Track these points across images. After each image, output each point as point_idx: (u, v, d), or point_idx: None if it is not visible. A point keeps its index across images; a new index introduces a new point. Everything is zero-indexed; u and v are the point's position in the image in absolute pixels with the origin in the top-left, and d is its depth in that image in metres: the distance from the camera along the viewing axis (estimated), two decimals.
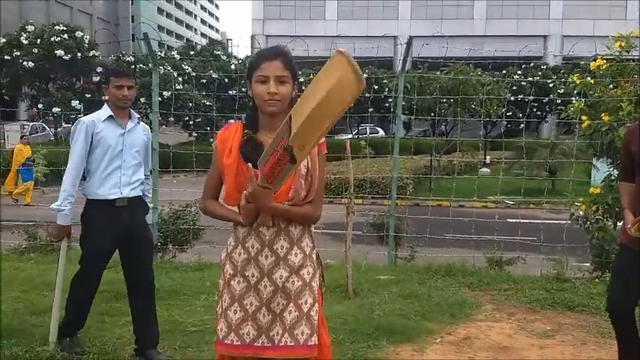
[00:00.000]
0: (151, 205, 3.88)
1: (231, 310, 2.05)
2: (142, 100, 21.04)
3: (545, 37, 38.77)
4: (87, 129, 3.39)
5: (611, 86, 6.41)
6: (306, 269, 2.09)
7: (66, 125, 22.20)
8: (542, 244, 6.11)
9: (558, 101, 14.13)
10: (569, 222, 6.05)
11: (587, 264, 5.93)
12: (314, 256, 2.16)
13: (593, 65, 6.40)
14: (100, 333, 3.85)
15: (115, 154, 3.41)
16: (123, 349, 3.64)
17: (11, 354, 3.43)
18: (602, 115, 6.12)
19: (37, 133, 24.15)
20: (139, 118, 3.60)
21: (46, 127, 25.59)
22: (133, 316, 3.58)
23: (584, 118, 6.18)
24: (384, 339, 3.91)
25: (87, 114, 3.58)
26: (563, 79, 18.19)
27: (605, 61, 6.37)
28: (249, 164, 1.94)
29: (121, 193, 3.41)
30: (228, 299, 2.07)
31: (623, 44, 6.30)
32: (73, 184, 3.39)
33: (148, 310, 3.55)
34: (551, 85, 25.66)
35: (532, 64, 31.59)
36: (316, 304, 2.09)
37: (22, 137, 14.87)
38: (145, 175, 3.64)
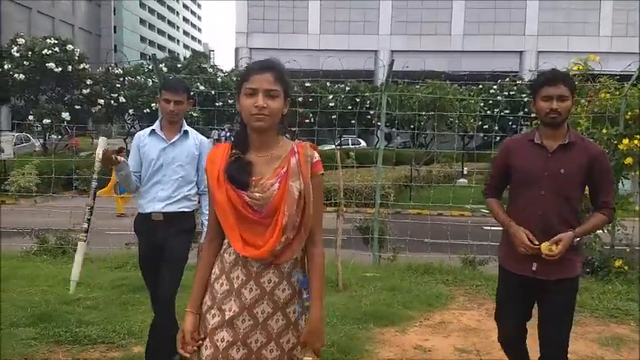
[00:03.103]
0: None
1: (204, 345, 1.93)
2: (131, 111, 21.59)
3: (520, 52, 40.05)
4: (135, 141, 3.49)
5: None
6: (292, 307, 1.95)
7: (54, 137, 22.55)
8: None
9: (533, 115, 15.03)
10: None
11: None
12: (302, 290, 2.00)
13: None
14: (125, 318, 4.41)
15: (155, 168, 3.37)
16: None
17: (54, 333, 4.01)
18: None
19: (22, 143, 24.44)
20: (187, 131, 3.45)
21: (31, 137, 25.85)
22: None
23: None
24: (370, 322, 4.56)
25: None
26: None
27: None
28: (240, 191, 1.89)
29: (156, 208, 3.33)
30: (202, 334, 1.95)
31: (581, 67, 7.10)
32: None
33: (160, 328, 3.36)
34: (525, 99, 26.69)
35: (507, 79, 32.73)
36: (298, 347, 1.96)
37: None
38: (203, 191, 3.44)
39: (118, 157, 3.26)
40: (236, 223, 1.90)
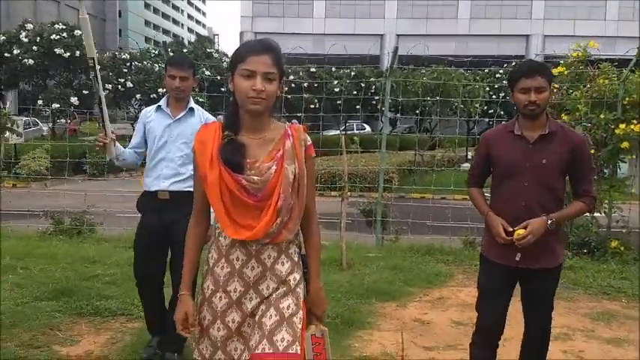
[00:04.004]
0: None
1: (214, 328, 1.94)
2: (138, 96, 21.82)
3: (527, 36, 39.87)
4: (142, 117, 3.47)
5: (571, 89, 7.35)
6: (292, 275, 1.98)
7: (62, 121, 22.83)
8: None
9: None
10: None
11: None
12: (300, 262, 2.04)
13: (555, 71, 7.34)
14: None
15: (159, 145, 3.33)
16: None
17: (76, 306, 4.28)
18: (562, 114, 7.06)
19: (30, 127, 24.76)
20: (192, 108, 3.38)
21: (39, 122, 26.18)
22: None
23: None
24: (373, 298, 4.81)
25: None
26: None
27: (564, 67, 7.31)
28: (237, 174, 1.87)
29: (162, 186, 3.29)
30: (209, 317, 1.96)
31: (580, 54, 7.26)
32: (126, 150, 3.43)
33: (159, 305, 3.48)
34: None
35: (514, 63, 32.63)
36: (300, 312, 1.95)
37: None
38: None
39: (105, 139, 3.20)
40: (229, 206, 1.88)
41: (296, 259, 2.01)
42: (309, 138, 2.02)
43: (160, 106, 3.41)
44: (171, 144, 3.32)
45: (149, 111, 3.47)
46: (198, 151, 1.94)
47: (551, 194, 2.68)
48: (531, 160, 2.65)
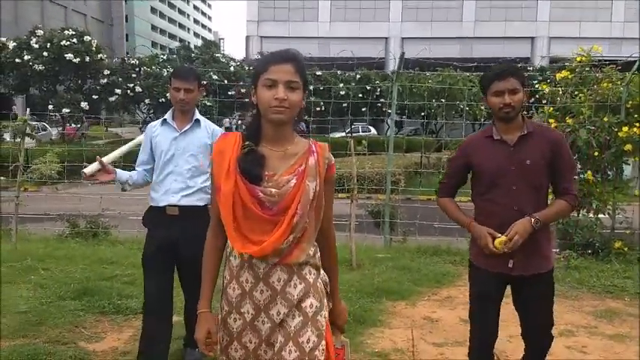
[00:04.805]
0: None
1: (232, 348, 1.90)
2: (147, 101, 22.10)
3: (532, 38, 39.93)
4: (147, 132, 3.39)
5: (576, 92, 7.49)
6: (308, 301, 1.87)
7: (73, 125, 23.15)
8: None
9: (544, 102, 15.29)
10: None
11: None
12: (319, 284, 1.93)
13: (558, 76, 7.49)
14: None
15: (167, 158, 3.25)
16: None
17: (99, 305, 4.48)
18: (567, 118, 7.20)
19: (39, 132, 25.09)
20: (198, 120, 3.32)
21: (47, 126, 26.52)
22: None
23: (551, 121, 7.25)
24: (383, 297, 4.99)
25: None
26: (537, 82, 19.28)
27: (569, 72, 7.46)
28: (253, 186, 1.81)
29: (171, 201, 3.20)
30: (226, 337, 1.91)
31: (584, 58, 7.40)
32: (133, 173, 3.35)
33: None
34: (536, 85, 26.81)
35: (520, 65, 32.70)
36: (323, 342, 1.86)
37: None
38: None
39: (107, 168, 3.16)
40: (240, 219, 1.82)
41: (311, 280, 1.89)
42: (332, 157, 1.97)
43: (165, 119, 3.35)
44: (178, 157, 3.26)
45: (154, 125, 3.41)
46: (216, 161, 1.88)
47: (540, 194, 2.65)
48: (515, 163, 2.61)
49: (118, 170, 3.26)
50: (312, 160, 1.88)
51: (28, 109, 8.25)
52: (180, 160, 3.24)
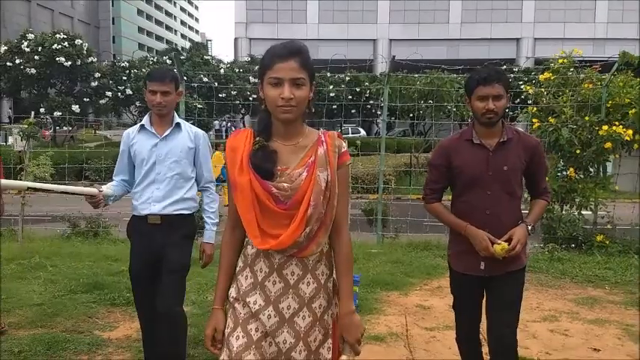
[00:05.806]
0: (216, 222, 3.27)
1: (234, 336, 1.85)
2: (137, 103, 22.21)
3: (517, 39, 40.53)
4: (124, 141, 3.18)
5: (559, 93, 7.82)
6: (318, 301, 1.88)
7: (66, 128, 23.21)
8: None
9: (529, 102, 15.69)
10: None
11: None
12: (330, 285, 1.93)
13: (542, 77, 7.83)
14: None
15: (148, 167, 3.07)
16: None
17: (109, 297, 4.71)
18: (550, 117, 7.54)
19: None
20: (179, 123, 3.15)
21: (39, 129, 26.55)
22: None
23: (534, 120, 7.58)
24: (377, 288, 5.29)
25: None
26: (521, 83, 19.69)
27: (551, 74, 7.80)
28: (266, 182, 1.80)
29: (152, 210, 3.03)
30: (231, 324, 1.88)
31: (565, 61, 7.75)
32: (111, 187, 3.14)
33: (163, 345, 3.02)
34: (522, 86, 27.29)
35: (504, 66, 33.21)
36: (328, 342, 1.90)
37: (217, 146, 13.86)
38: (204, 187, 3.26)
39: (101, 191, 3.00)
40: (256, 213, 1.81)
41: (323, 281, 1.89)
42: (344, 144, 1.94)
43: (143, 125, 3.14)
44: (160, 164, 3.07)
45: (132, 132, 3.18)
46: (230, 159, 1.86)
47: (514, 199, 2.68)
48: (492, 169, 2.63)
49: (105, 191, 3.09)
50: (322, 150, 1.87)
51: (32, 112, 8.44)
52: (162, 167, 3.07)
